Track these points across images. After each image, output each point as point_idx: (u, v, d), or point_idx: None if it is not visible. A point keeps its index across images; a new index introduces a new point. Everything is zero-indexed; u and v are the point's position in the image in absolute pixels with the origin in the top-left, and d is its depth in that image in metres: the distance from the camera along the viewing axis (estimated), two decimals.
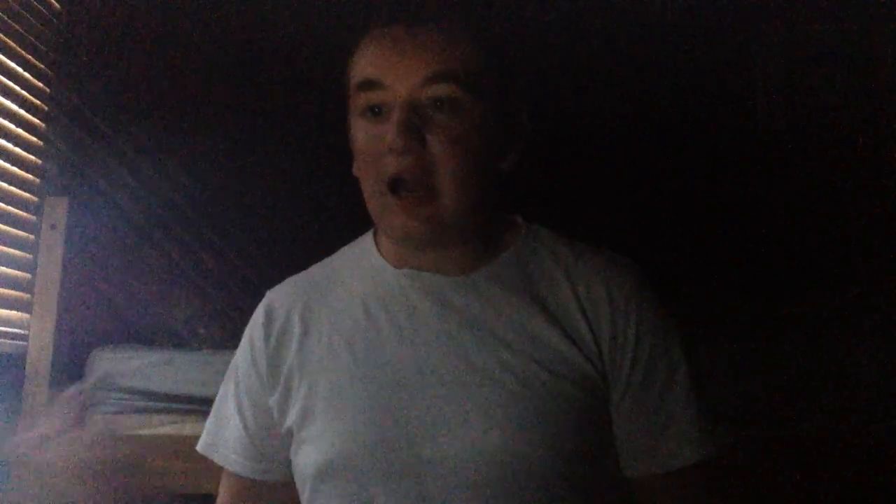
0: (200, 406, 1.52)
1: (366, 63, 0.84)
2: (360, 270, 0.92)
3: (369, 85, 0.83)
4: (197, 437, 0.96)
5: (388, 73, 0.82)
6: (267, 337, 0.91)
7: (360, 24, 0.87)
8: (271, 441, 0.91)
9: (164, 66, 2.27)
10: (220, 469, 0.95)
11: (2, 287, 1.61)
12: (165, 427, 1.58)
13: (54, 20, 1.85)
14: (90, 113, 1.92)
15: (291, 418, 0.88)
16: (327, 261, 0.97)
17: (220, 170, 2.40)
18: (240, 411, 0.92)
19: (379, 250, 0.91)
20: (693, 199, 2.72)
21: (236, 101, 2.54)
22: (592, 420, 0.84)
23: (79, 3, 1.92)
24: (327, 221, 2.28)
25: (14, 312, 1.64)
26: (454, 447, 0.81)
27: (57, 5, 1.87)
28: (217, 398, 0.97)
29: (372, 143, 0.83)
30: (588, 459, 0.83)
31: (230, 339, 1.31)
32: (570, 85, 2.62)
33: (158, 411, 1.60)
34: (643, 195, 2.77)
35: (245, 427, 0.92)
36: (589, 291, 0.86)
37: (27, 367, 1.57)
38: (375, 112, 0.83)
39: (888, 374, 1.57)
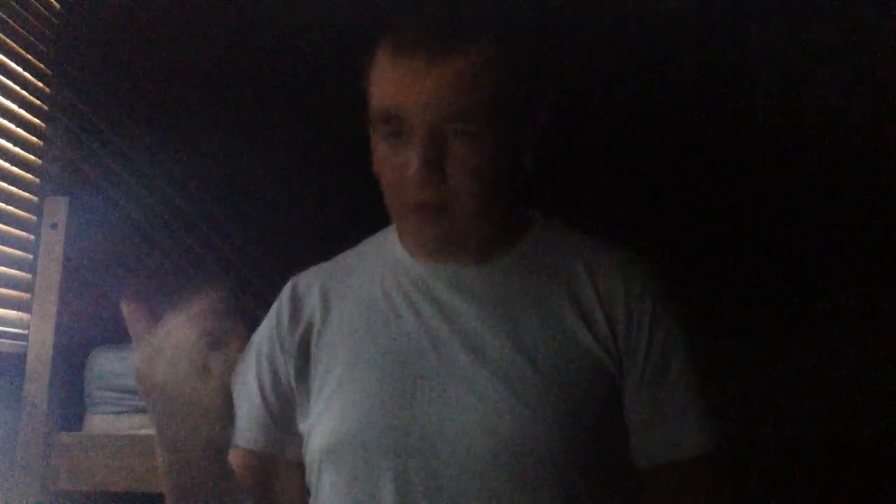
0: None
1: (385, 93, 0.83)
2: (382, 260, 0.96)
3: (388, 116, 0.83)
4: None
5: (408, 106, 0.81)
6: (293, 313, 0.94)
7: (363, 26, 0.86)
8: (290, 413, 0.92)
9: (163, 65, 2.27)
10: None
11: (2, 287, 1.61)
12: None
13: (54, 20, 1.85)
14: (90, 113, 1.92)
15: (306, 394, 0.90)
16: (352, 250, 1.01)
17: (220, 169, 2.40)
18: (260, 383, 0.93)
19: (401, 241, 0.95)
20: (691, 199, 2.73)
21: (237, 100, 2.54)
22: (605, 406, 0.85)
23: (79, 3, 1.92)
24: (329, 221, 2.28)
25: (14, 312, 1.64)
26: (465, 429, 0.82)
27: (57, 5, 1.87)
28: None
29: (393, 167, 0.85)
30: (599, 445, 0.84)
31: None
32: (568, 85, 2.62)
33: None
34: (641, 195, 2.77)
35: (264, 399, 0.92)
36: (606, 280, 0.89)
37: (27, 367, 1.57)
38: (395, 135, 0.84)
39: (888, 375, 1.57)
